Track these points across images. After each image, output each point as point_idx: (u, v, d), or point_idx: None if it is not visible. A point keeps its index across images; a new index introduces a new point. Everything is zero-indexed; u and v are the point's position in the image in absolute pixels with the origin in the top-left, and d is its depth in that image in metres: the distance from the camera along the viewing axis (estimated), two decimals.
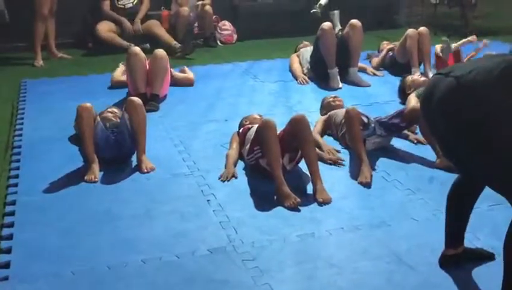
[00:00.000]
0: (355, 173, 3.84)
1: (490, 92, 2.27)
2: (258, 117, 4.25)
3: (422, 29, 6.03)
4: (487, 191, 3.52)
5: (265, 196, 3.58)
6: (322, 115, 4.69)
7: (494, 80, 2.28)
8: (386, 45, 6.53)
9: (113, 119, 4.23)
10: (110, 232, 3.24)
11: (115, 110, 4.38)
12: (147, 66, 5.38)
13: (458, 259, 2.81)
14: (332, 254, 2.99)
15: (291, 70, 6.29)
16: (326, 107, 4.72)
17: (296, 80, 6.05)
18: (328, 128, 4.50)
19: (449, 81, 2.36)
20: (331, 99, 4.77)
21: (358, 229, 3.21)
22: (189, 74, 6.04)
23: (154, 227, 3.28)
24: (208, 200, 3.57)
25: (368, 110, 4.58)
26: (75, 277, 2.83)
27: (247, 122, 4.22)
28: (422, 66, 5.97)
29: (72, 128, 4.45)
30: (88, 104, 4.04)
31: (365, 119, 4.12)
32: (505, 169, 2.30)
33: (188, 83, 5.90)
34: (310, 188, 3.64)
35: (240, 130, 4.19)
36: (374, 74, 6.20)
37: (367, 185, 3.65)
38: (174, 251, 3.02)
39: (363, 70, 6.20)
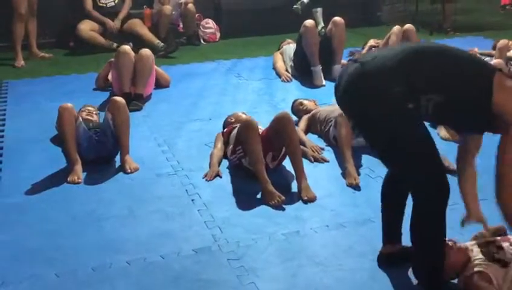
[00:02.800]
0: (339, 171, 3.84)
1: (382, 79, 2.38)
2: (243, 116, 4.25)
3: (408, 26, 6.05)
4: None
5: (250, 195, 3.58)
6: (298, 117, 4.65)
7: (388, 68, 2.39)
8: (373, 42, 6.53)
9: (89, 117, 4.19)
10: (94, 233, 3.22)
11: (90, 108, 4.35)
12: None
13: (395, 257, 2.78)
14: (317, 251, 2.99)
15: (274, 68, 6.29)
16: (296, 113, 4.69)
17: (280, 77, 6.06)
18: (312, 126, 4.50)
19: (355, 67, 2.46)
20: (297, 104, 4.75)
21: (343, 226, 3.22)
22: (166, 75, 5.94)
23: (139, 227, 3.26)
24: (193, 200, 3.56)
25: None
26: (59, 279, 2.81)
27: (232, 120, 4.21)
28: None
29: (54, 129, 4.41)
30: (69, 105, 4.01)
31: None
32: (391, 154, 2.48)
33: (165, 84, 5.82)
34: (294, 186, 3.64)
35: (225, 130, 4.18)
36: None
37: (356, 186, 3.66)
38: (159, 251, 3.01)
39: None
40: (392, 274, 2.75)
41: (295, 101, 4.81)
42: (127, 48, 5.40)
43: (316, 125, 4.48)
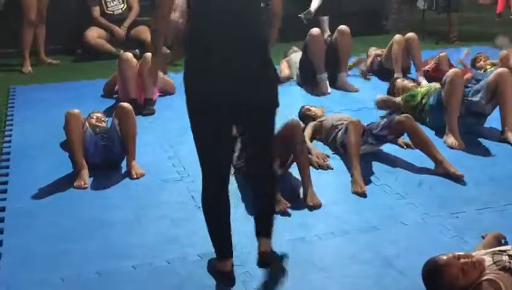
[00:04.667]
0: (344, 178, 3.85)
1: None
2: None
3: (410, 34, 6.05)
4: (473, 195, 3.57)
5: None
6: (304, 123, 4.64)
7: None
8: (373, 52, 6.56)
9: (98, 124, 4.22)
10: (100, 238, 3.24)
11: (98, 114, 4.37)
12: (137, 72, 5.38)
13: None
14: (322, 258, 3.01)
15: (281, 76, 6.30)
16: (303, 118, 4.64)
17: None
18: (317, 134, 4.52)
19: None
20: (305, 110, 4.74)
21: (348, 233, 3.23)
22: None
23: (145, 233, 3.28)
24: (198, 206, 3.56)
25: (356, 115, 4.59)
26: (64, 284, 2.83)
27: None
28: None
29: (61, 135, 4.43)
30: (76, 111, 4.04)
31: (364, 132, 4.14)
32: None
33: (171, 90, 5.84)
34: (300, 193, 3.65)
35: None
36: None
37: (362, 194, 3.67)
38: (165, 257, 3.03)
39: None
40: (397, 282, 2.76)
41: (303, 107, 4.82)
42: (128, 54, 5.44)
43: (321, 132, 4.49)
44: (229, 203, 2.77)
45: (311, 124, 4.55)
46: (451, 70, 4.62)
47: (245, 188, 3.77)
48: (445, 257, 2.54)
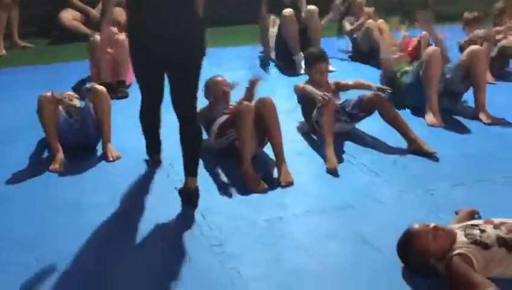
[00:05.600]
0: (321, 158, 3.87)
1: None
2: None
3: (380, 21, 6.10)
4: (447, 172, 3.62)
5: (232, 182, 3.60)
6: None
7: None
8: (364, 11, 6.48)
9: (70, 102, 4.13)
10: (75, 221, 3.21)
11: (69, 92, 4.31)
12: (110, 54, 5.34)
13: None
14: (300, 237, 3.02)
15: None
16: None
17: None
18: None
19: None
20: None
21: (325, 212, 3.25)
22: None
23: (120, 215, 3.27)
24: (176, 187, 3.56)
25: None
26: (40, 265, 2.80)
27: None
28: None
29: (35, 119, 4.38)
30: (49, 94, 3.99)
31: (337, 109, 4.16)
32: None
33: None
34: (276, 173, 3.66)
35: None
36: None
37: (335, 171, 3.69)
38: (142, 237, 3.02)
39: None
40: (374, 258, 2.79)
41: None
42: (97, 38, 5.38)
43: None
44: (158, 119, 3.69)
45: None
46: (430, 48, 4.62)
47: (224, 171, 3.78)
48: (415, 226, 2.62)
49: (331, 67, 5.82)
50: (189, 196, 3.29)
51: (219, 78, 4.20)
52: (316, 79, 4.33)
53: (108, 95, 4.06)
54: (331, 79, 4.55)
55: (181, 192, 3.34)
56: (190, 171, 3.28)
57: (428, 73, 4.47)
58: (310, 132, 4.33)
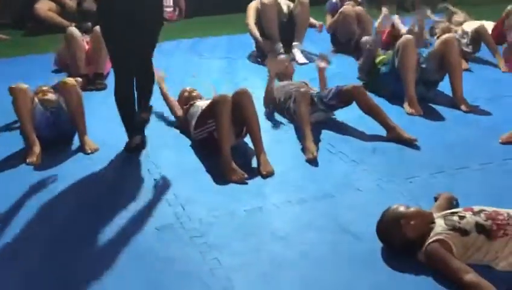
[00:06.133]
0: (300, 147, 3.87)
1: None
2: (195, 93, 4.30)
3: (358, 8, 6.10)
4: (426, 159, 3.65)
5: (211, 173, 3.58)
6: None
7: None
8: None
9: (45, 97, 4.06)
10: (52, 214, 3.19)
11: (43, 87, 4.24)
12: (86, 46, 5.28)
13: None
14: (280, 226, 3.02)
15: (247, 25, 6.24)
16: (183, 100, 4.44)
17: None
18: (270, 102, 4.51)
19: None
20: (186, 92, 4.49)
21: (305, 201, 3.25)
22: None
23: (98, 208, 3.24)
24: (155, 179, 3.55)
25: (314, 84, 4.63)
26: (17, 265, 2.77)
27: (186, 94, 4.29)
28: None
29: (10, 111, 4.31)
30: (23, 85, 3.93)
31: (314, 99, 4.17)
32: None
33: None
34: (255, 163, 3.66)
35: (185, 106, 4.18)
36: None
37: (314, 160, 3.69)
38: (123, 231, 3.00)
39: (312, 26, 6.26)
40: (354, 247, 2.80)
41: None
42: (73, 30, 5.35)
43: (273, 102, 4.49)
44: (133, 96, 3.82)
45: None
46: (404, 37, 4.64)
47: (203, 161, 3.77)
48: (394, 206, 2.68)
49: (303, 60, 5.82)
50: (141, 124, 3.84)
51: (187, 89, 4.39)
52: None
53: (77, 88, 4.00)
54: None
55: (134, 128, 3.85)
56: (144, 108, 3.87)
57: (404, 62, 4.49)
58: (288, 121, 4.33)
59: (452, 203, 2.96)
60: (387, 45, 5.52)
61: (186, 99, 4.27)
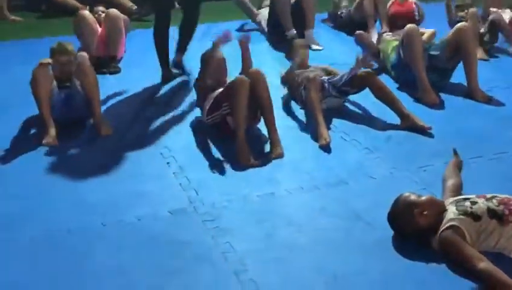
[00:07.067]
0: (314, 133, 3.87)
1: None
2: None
3: None
4: (440, 148, 3.63)
5: (225, 158, 3.59)
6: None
7: None
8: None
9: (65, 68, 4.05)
10: (68, 195, 3.21)
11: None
12: (99, 29, 5.28)
13: None
14: (292, 212, 3.03)
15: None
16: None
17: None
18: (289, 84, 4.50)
19: None
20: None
21: (317, 188, 3.25)
22: None
23: (114, 190, 3.26)
24: (168, 163, 3.56)
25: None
26: (34, 242, 2.80)
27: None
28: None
29: (26, 93, 4.33)
30: (44, 67, 3.91)
31: (326, 85, 4.15)
32: None
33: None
34: (269, 149, 3.66)
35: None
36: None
37: (327, 146, 3.68)
38: (135, 213, 3.02)
39: None
40: (366, 234, 2.80)
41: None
42: (85, 12, 5.34)
43: (292, 86, 4.49)
44: (167, 37, 4.89)
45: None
46: (407, 27, 4.59)
47: (216, 146, 3.77)
48: (405, 194, 2.69)
49: (317, 46, 5.79)
50: (175, 65, 4.97)
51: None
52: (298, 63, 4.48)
53: (93, 71, 4.01)
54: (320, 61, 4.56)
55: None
56: (182, 48, 5.09)
57: (410, 52, 4.46)
58: (300, 107, 4.32)
59: (460, 168, 3.10)
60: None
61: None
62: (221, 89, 3.86)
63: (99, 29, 5.31)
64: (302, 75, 4.41)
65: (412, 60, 4.46)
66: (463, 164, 3.19)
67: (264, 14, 6.29)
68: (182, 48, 5.10)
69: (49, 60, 3.93)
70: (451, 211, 2.57)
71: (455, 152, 3.27)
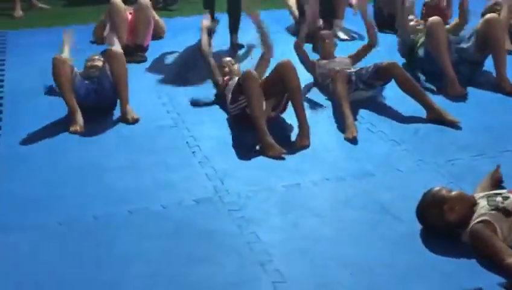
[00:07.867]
0: (340, 125, 3.84)
1: None
2: (236, 67, 4.29)
3: None
4: (468, 141, 3.58)
5: (250, 147, 3.58)
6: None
7: None
8: None
9: (93, 64, 4.13)
10: (95, 183, 3.24)
11: (95, 56, 4.29)
12: (129, 17, 5.30)
13: None
14: (317, 203, 3.02)
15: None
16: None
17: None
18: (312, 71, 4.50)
19: None
20: None
21: (343, 179, 3.24)
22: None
23: (140, 178, 3.28)
24: (193, 152, 3.57)
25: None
26: (62, 228, 2.83)
27: (226, 69, 4.25)
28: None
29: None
30: (63, 56, 3.99)
31: (353, 78, 4.13)
32: None
33: (162, 33, 5.82)
34: (294, 138, 3.65)
35: (225, 78, 4.19)
36: None
37: (353, 139, 3.66)
38: (161, 202, 3.03)
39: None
40: (392, 226, 2.78)
41: None
42: (117, 0, 5.35)
43: (315, 74, 4.47)
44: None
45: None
46: (430, 20, 4.52)
47: (241, 136, 3.77)
48: (435, 189, 2.65)
49: (345, 36, 5.74)
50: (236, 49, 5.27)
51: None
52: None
53: (123, 57, 4.04)
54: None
55: None
56: (234, 29, 5.51)
57: (434, 44, 4.40)
58: (326, 98, 4.30)
59: (498, 181, 2.93)
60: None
61: (226, 73, 4.26)
62: (236, 78, 3.89)
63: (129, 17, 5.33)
64: (328, 66, 4.38)
65: (437, 52, 4.41)
66: (502, 177, 3.05)
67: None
68: (234, 29, 5.49)
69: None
70: (482, 206, 2.54)
71: (498, 167, 3.08)
